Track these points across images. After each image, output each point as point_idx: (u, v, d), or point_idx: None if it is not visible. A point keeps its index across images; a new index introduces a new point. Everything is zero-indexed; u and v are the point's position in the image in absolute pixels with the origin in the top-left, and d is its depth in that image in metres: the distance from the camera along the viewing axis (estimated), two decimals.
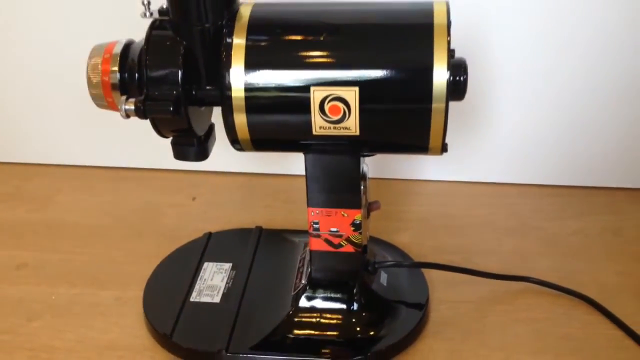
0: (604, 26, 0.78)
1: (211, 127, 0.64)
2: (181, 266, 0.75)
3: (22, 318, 0.72)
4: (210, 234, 0.80)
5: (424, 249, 0.78)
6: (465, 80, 0.54)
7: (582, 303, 0.70)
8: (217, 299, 0.70)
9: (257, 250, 0.77)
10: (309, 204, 0.62)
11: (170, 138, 0.62)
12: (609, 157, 0.86)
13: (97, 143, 0.95)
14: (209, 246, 0.78)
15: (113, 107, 0.59)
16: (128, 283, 0.75)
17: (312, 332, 0.66)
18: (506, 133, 0.85)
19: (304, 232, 0.77)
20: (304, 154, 0.60)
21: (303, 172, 0.90)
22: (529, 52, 0.80)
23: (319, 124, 0.55)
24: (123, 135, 0.92)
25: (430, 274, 0.73)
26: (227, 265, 0.75)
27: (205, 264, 0.75)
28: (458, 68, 0.53)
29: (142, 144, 0.93)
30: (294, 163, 0.92)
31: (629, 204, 0.85)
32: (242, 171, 0.93)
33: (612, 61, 0.80)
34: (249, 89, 0.54)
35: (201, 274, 0.74)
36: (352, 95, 0.53)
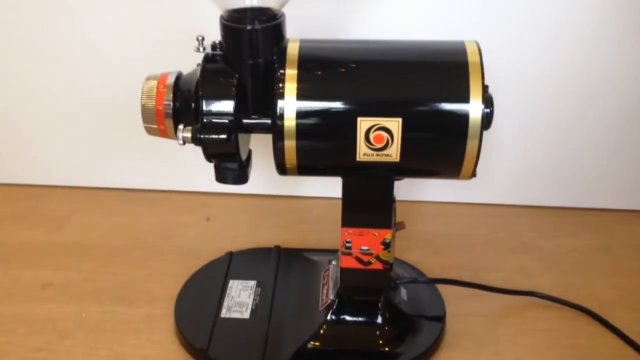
0: (595, 54, 0.84)
1: (249, 154, 0.68)
2: (208, 284, 0.78)
3: (55, 336, 0.74)
4: (231, 253, 0.83)
5: (432, 266, 0.83)
6: (492, 112, 0.60)
7: (584, 315, 0.76)
8: (246, 315, 0.74)
9: (278, 268, 0.81)
10: (343, 224, 0.67)
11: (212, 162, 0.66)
12: (599, 181, 0.92)
13: (108, 165, 0.97)
14: (232, 265, 0.81)
15: (164, 134, 0.63)
16: (156, 301, 0.78)
17: (341, 345, 0.70)
18: (504, 158, 0.91)
19: (322, 251, 0.82)
20: (342, 178, 0.64)
21: (312, 194, 0.97)
22: (525, 80, 0.86)
23: (363, 152, 0.60)
24: (135, 157, 0.96)
25: (443, 290, 0.78)
26: (252, 283, 0.78)
27: (231, 282, 0.79)
28: (489, 102, 0.59)
29: (153, 166, 0.97)
30: (303, 185, 0.97)
31: (617, 224, 0.91)
32: (253, 193, 0.97)
33: (602, 90, 0.86)
34: (300, 117, 0.59)
35: (228, 291, 0.77)
36: (396, 125, 0.58)
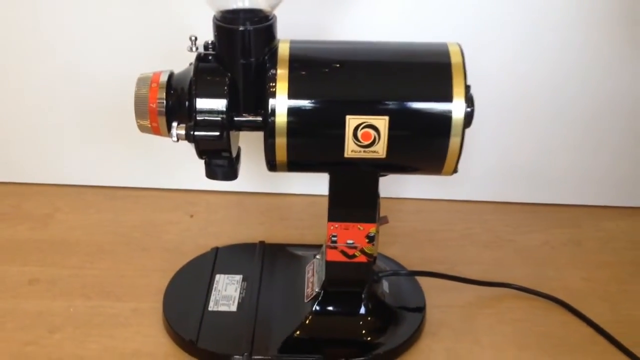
0: (570, 56, 0.88)
1: (239, 151, 0.71)
2: (195, 279, 0.80)
3: (44, 330, 0.75)
4: (217, 248, 0.85)
5: (412, 260, 0.86)
6: (474, 111, 0.63)
7: (556, 305, 0.80)
8: (233, 308, 0.76)
9: (263, 262, 0.83)
10: (329, 219, 0.69)
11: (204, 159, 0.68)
12: (569, 179, 0.96)
13: (91, 163, 0.98)
14: (218, 260, 0.83)
15: (156, 131, 0.65)
16: (143, 295, 0.80)
17: (326, 335, 0.73)
18: (479, 158, 0.94)
19: (305, 246, 0.85)
20: (329, 174, 0.67)
21: (293, 191, 0.99)
22: (502, 81, 0.89)
23: (351, 148, 0.62)
24: (117, 155, 0.97)
25: (422, 282, 0.81)
26: (238, 277, 0.81)
27: (218, 276, 0.81)
28: (471, 102, 0.62)
29: (136, 164, 0.98)
30: (284, 183, 0.99)
31: (587, 219, 0.95)
32: (235, 190, 0.99)
33: (574, 93, 0.90)
34: (291, 115, 0.61)
35: (215, 285, 0.79)
36: (382, 123, 0.61)
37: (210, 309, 0.76)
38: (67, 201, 0.97)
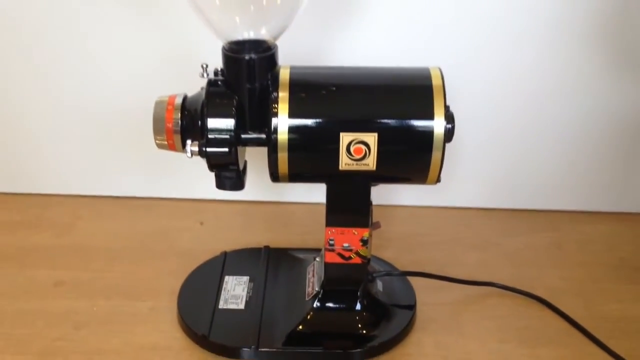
0: (543, 70, 0.94)
1: (245, 164, 0.79)
2: (206, 280, 0.88)
3: (70, 327, 0.82)
4: (226, 252, 0.93)
5: (404, 262, 0.92)
6: (454, 127, 0.71)
7: (535, 302, 0.86)
8: (241, 306, 0.84)
9: (268, 265, 0.90)
10: (327, 224, 0.77)
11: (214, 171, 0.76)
12: (550, 185, 1.02)
13: (110, 175, 1.05)
14: (227, 263, 0.91)
15: (172, 148, 0.73)
16: (159, 295, 0.87)
17: (325, 329, 0.80)
18: (466, 167, 1.01)
19: (306, 250, 0.92)
20: (326, 184, 0.75)
21: (295, 200, 1.06)
22: (486, 97, 0.96)
23: (345, 162, 0.70)
24: (133, 168, 1.04)
25: (413, 282, 0.88)
26: (245, 278, 0.88)
27: (227, 278, 0.88)
28: (450, 119, 0.70)
29: (150, 176, 1.05)
30: (287, 192, 1.07)
31: (568, 223, 1.02)
32: (242, 199, 1.06)
33: (551, 105, 0.97)
34: (291, 132, 0.69)
35: (224, 286, 0.87)
36: (372, 139, 0.69)
37: (220, 307, 0.83)
38: (87, 210, 1.04)
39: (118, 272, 0.92)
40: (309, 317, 0.80)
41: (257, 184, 0.99)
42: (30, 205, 1.05)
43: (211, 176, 0.75)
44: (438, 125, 0.69)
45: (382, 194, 0.98)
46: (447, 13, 0.92)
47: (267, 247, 0.93)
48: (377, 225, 0.81)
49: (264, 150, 0.72)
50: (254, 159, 0.81)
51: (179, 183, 1.06)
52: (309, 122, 0.70)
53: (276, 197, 1.07)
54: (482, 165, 1.02)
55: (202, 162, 0.73)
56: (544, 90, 0.96)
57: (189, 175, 1.03)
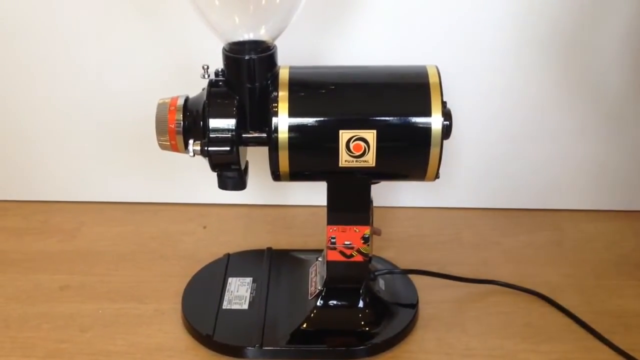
0: (542, 68, 0.95)
1: (246, 164, 0.80)
2: (210, 281, 0.89)
3: (76, 330, 0.83)
4: (229, 254, 0.94)
5: (406, 262, 0.93)
6: (451, 124, 0.72)
7: (537, 299, 0.87)
8: (245, 306, 0.84)
9: (271, 266, 0.91)
10: (328, 223, 0.78)
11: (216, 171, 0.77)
12: (551, 185, 1.03)
13: (112, 181, 1.07)
14: (230, 264, 0.92)
15: (175, 148, 0.74)
16: (163, 297, 0.88)
17: (329, 326, 0.81)
18: (467, 168, 1.02)
19: (308, 251, 0.93)
20: (327, 182, 0.76)
21: (296, 203, 1.07)
22: (486, 98, 0.97)
23: (344, 158, 0.71)
24: (136, 174, 1.05)
25: (415, 280, 0.89)
26: (249, 279, 0.89)
27: (230, 279, 0.89)
28: (448, 116, 0.71)
29: (153, 182, 1.06)
30: (289, 196, 1.08)
31: (567, 222, 1.02)
32: (244, 203, 1.07)
33: (550, 104, 0.98)
34: (291, 131, 0.70)
35: (228, 287, 0.88)
36: (371, 136, 0.70)
37: (224, 307, 0.84)
38: (91, 216, 1.05)
39: (122, 276, 0.93)
40: (312, 315, 0.81)
41: (259, 188, 1.01)
42: (35, 212, 1.07)
43: (213, 181, 0.76)
44: (435, 121, 0.70)
45: (383, 195, 1.00)
46: (444, 13, 0.93)
47: (269, 249, 0.94)
48: (377, 231, 0.82)
49: (265, 154, 0.73)
50: (255, 162, 0.82)
51: (182, 188, 1.07)
52: (309, 120, 0.71)
53: (278, 200, 1.08)
54: (483, 167, 1.02)
55: (204, 167, 0.74)
56: (543, 89, 0.97)
57: (192, 181, 1.04)
